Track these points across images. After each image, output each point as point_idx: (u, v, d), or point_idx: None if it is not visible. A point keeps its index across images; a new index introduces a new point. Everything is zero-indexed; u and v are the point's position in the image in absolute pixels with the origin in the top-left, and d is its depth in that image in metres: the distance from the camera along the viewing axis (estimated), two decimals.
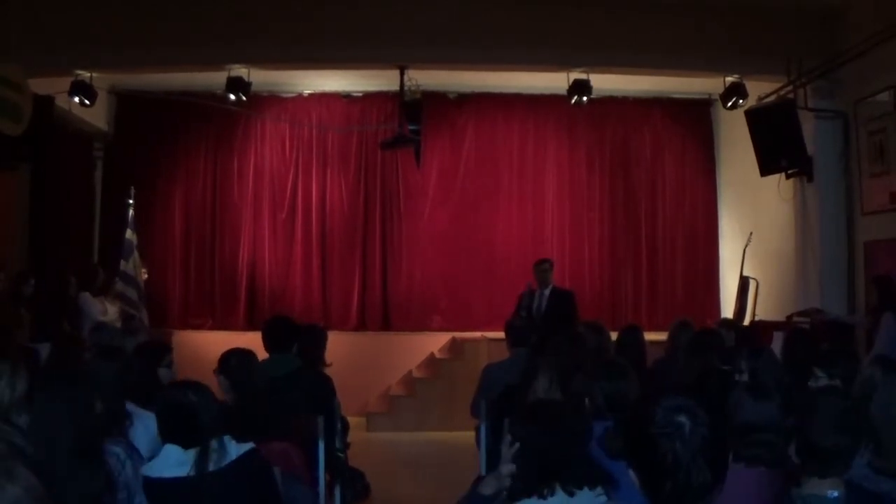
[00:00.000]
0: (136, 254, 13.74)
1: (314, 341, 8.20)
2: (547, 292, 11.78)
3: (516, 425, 3.96)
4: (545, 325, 10.67)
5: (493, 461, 7.27)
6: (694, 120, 16.16)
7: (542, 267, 12.01)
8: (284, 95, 15.55)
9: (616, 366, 5.43)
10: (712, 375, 6.59)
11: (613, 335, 8.69)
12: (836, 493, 3.51)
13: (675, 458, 2.90)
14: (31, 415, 4.14)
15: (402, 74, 12.89)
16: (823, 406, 3.71)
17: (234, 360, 6.17)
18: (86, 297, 12.33)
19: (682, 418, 2.95)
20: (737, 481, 3.85)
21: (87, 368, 5.58)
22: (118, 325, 10.84)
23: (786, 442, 3.85)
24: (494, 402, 7.69)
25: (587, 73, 12.77)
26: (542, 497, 3.69)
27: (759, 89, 12.87)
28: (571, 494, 3.69)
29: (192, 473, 4.43)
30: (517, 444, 3.84)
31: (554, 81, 13.39)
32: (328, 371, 8.18)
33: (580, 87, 12.85)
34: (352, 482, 8.59)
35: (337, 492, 7.40)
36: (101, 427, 4.44)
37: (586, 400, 5.10)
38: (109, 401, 4.57)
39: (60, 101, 12.27)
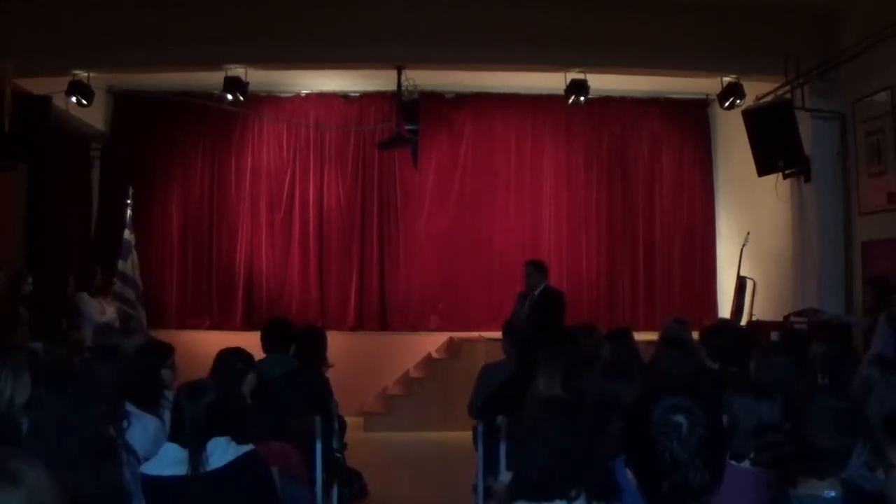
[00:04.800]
0: (134, 254, 13.74)
1: (314, 342, 8.20)
2: (537, 293, 11.65)
3: (536, 417, 3.89)
4: (529, 325, 10.56)
5: (489, 461, 7.28)
6: (691, 120, 16.17)
7: (527, 270, 11.85)
8: (282, 95, 15.55)
9: (618, 366, 5.43)
10: (707, 374, 6.60)
11: None
12: (833, 494, 3.51)
13: (673, 458, 2.91)
14: (45, 413, 4.14)
15: (399, 74, 12.90)
16: (819, 406, 3.71)
17: (219, 361, 6.18)
18: (83, 297, 12.31)
19: (680, 418, 2.95)
20: (734, 481, 3.86)
21: (88, 368, 5.58)
22: (116, 325, 10.85)
23: (783, 442, 3.86)
24: (487, 400, 7.72)
25: (584, 73, 12.78)
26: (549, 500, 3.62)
27: (757, 89, 12.87)
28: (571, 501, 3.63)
29: (188, 473, 4.45)
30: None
31: (551, 81, 13.38)
32: (329, 372, 8.20)
33: (577, 87, 12.85)
34: (349, 482, 8.59)
35: (334, 492, 7.40)
36: (114, 425, 4.48)
37: (587, 396, 5.10)
38: (109, 401, 4.59)
39: (58, 100, 12.25)
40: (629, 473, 3.20)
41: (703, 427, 2.96)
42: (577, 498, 3.54)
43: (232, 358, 6.18)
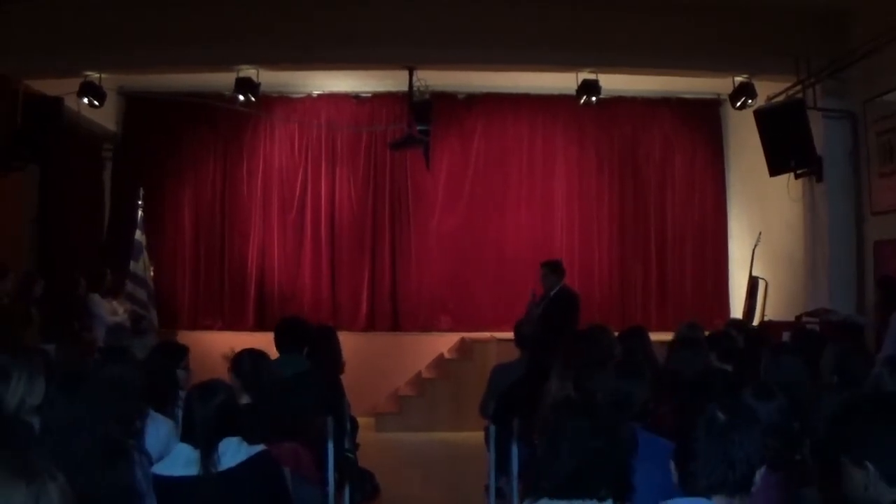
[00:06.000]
0: (145, 254, 13.77)
1: (327, 342, 8.20)
2: (552, 294, 11.58)
3: (558, 417, 3.87)
4: (543, 326, 10.51)
5: (502, 461, 7.28)
6: (703, 120, 16.15)
7: (542, 272, 11.77)
8: (293, 96, 15.57)
9: (630, 366, 5.43)
10: (717, 375, 6.59)
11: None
12: None
13: (697, 447, 3.10)
14: (57, 414, 4.14)
15: (411, 75, 12.89)
16: (826, 404, 3.72)
17: (246, 361, 6.20)
18: (95, 298, 12.35)
19: (720, 414, 3.12)
20: None
21: (103, 369, 5.59)
22: (128, 325, 10.86)
23: (791, 443, 3.86)
24: (499, 401, 7.71)
25: (596, 73, 12.78)
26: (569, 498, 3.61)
27: (768, 89, 12.85)
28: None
29: (200, 473, 4.46)
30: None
31: (563, 82, 13.39)
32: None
33: (589, 87, 12.85)
34: (361, 483, 8.58)
35: (346, 492, 7.40)
36: (126, 426, 4.49)
37: (598, 396, 5.09)
38: (122, 401, 4.60)
39: (69, 101, 12.31)
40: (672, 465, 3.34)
41: (738, 431, 3.13)
42: (606, 498, 3.54)
43: (255, 358, 6.22)
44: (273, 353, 7.46)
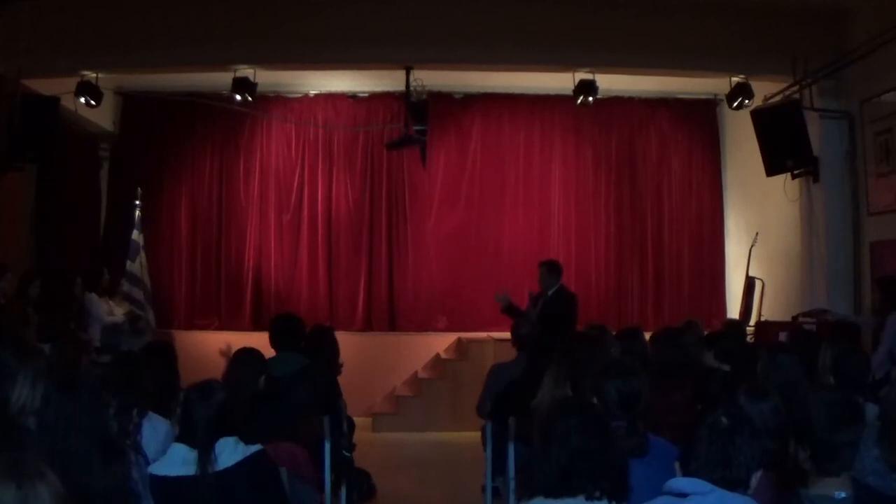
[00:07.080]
0: (142, 254, 13.75)
1: (326, 343, 8.18)
2: (550, 294, 11.55)
3: (552, 416, 3.89)
4: (540, 326, 10.48)
5: (498, 461, 7.28)
6: (700, 120, 16.15)
7: (540, 271, 11.76)
8: (290, 96, 15.55)
9: (629, 365, 5.44)
10: (713, 375, 6.60)
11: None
12: (843, 494, 3.52)
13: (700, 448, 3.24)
14: (54, 413, 4.13)
15: (408, 75, 12.87)
16: (818, 402, 3.75)
17: (239, 358, 6.20)
18: (91, 297, 12.33)
19: (724, 419, 3.23)
20: None
21: (99, 371, 5.59)
22: (126, 326, 10.85)
23: (785, 443, 3.88)
24: (496, 400, 7.71)
25: (593, 73, 12.77)
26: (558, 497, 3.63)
27: (765, 89, 12.87)
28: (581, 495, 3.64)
29: (197, 473, 4.45)
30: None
31: (560, 82, 13.36)
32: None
33: (586, 87, 12.84)
34: (358, 483, 8.59)
35: (343, 492, 7.40)
36: (121, 426, 4.48)
37: (594, 399, 5.09)
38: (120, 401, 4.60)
39: (66, 101, 12.28)
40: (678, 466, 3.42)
41: (739, 436, 3.24)
42: (601, 498, 3.56)
43: (251, 358, 6.21)
44: (269, 352, 7.46)
